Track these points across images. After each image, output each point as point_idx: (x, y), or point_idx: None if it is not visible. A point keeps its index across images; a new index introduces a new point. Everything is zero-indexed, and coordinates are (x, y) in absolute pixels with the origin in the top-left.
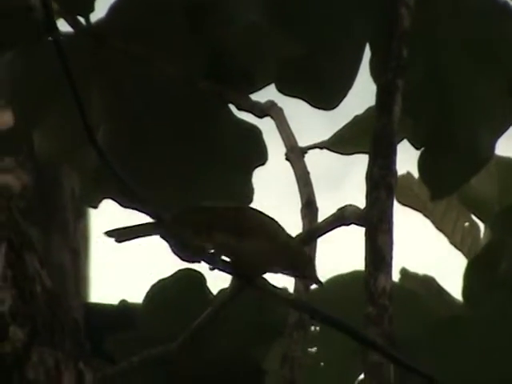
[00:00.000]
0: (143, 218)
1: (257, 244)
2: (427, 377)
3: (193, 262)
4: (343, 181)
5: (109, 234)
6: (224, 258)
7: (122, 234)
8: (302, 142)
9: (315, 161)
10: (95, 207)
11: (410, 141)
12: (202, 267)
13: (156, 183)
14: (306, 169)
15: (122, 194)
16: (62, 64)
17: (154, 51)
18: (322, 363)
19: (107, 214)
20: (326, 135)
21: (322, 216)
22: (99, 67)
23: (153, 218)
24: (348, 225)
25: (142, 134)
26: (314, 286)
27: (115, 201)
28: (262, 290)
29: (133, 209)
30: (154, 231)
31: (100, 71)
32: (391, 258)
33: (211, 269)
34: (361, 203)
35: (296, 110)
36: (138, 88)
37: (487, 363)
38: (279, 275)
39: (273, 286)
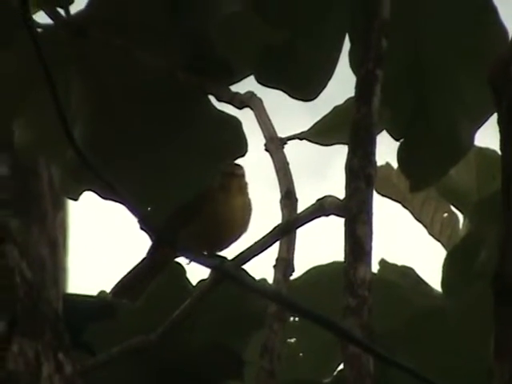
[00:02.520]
0: (124, 211)
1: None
2: (406, 369)
3: (173, 252)
4: (323, 172)
5: None
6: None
7: None
8: (282, 133)
9: (295, 152)
10: (75, 199)
11: (389, 132)
12: (182, 259)
13: (136, 175)
14: (285, 160)
15: (101, 186)
16: (38, 55)
17: (133, 42)
18: (301, 354)
19: (86, 206)
20: (305, 126)
21: (301, 207)
22: (79, 59)
23: (131, 211)
24: (327, 215)
25: (122, 125)
26: (293, 277)
27: (95, 193)
28: (239, 282)
29: (113, 201)
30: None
31: (80, 63)
32: (371, 248)
33: (188, 262)
34: (340, 194)
35: (276, 100)
36: (117, 80)
37: (466, 355)
38: (259, 267)
39: (251, 277)
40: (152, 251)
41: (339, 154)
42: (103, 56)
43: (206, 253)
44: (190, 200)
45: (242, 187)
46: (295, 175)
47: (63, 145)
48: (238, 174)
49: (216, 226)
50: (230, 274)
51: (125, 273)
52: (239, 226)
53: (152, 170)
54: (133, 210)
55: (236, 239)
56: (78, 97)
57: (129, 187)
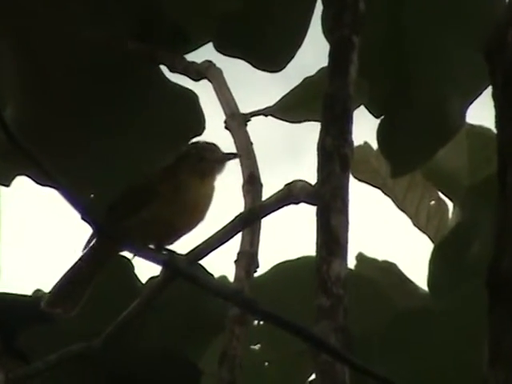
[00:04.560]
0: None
1: None
2: (382, 379)
3: (118, 246)
4: (291, 153)
5: None
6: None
7: None
8: (244, 109)
9: (259, 130)
10: (7, 185)
11: (367, 107)
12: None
13: (77, 158)
14: (248, 139)
15: (37, 171)
16: None
17: (72, 9)
18: (266, 362)
19: (21, 193)
20: (271, 101)
21: (266, 193)
22: (9, 31)
23: (68, 199)
24: (297, 203)
25: (62, 102)
26: (257, 274)
27: (30, 178)
28: (193, 280)
29: (51, 187)
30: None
31: (10, 36)
32: (346, 241)
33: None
34: (312, 179)
35: (237, 72)
36: (54, 53)
37: (455, 362)
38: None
39: (208, 273)
40: (95, 245)
41: (310, 132)
42: (37, 28)
43: (155, 246)
44: (138, 184)
45: (213, 172)
46: (260, 157)
47: None
48: (210, 160)
49: (171, 213)
50: (181, 271)
51: (62, 272)
52: (199, 214)
53: (96, 152)
54: (70, 197)
55: (191, 229)
56: (10, 74)
57: (69, 172)
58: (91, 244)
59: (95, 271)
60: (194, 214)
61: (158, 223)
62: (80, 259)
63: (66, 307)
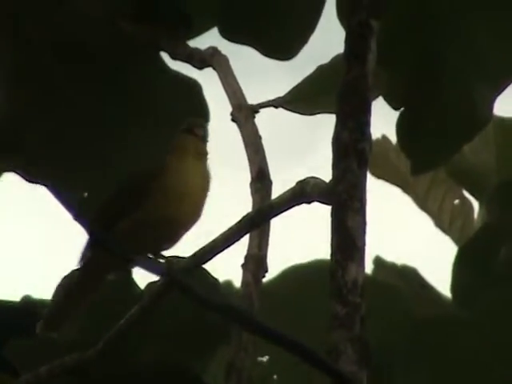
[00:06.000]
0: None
1: None
2: None
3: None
4: (304, 147)
5: None
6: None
7: None
8: (253, 100)
9: (269, 123)
10: None
11: (386, 98)
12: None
13: (69, 152)
14: (256, 132)
15: (27, 167)
16: None
17: None
18: (275, 376)
19: (7, 191)
20: (282, 91)
21: (276, 191)
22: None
23: (62, 199)
24: (310, 202)
25: (50, 91)
26: (266, 279)
27: (18, 174)
28: (189, 291)
29: (42, 185)
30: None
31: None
32: (364, 243)
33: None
34: (326, 175)
35: (244, 58)
36: (42, 34)
37: (481, 376)
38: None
39: (213, 278)
40: (89, 258)
41: (325, 125)
42: (22, 4)
43: (152, 253)
44: (131, 182)
45: (200, 150)
46: (269, 152)
47: None
48: (197, 134)
49: (166, 206)
50: (176, 281)
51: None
52: (194, 199)
53: (91, 146)
54: (61, 196)
55: (191, 225)
56: None
57: (60, 168)
58: (85, 257)
59: (92, 288)
60: (189, 199)
61: (153, 223)
62: (75, 274)
63: (62, 329)
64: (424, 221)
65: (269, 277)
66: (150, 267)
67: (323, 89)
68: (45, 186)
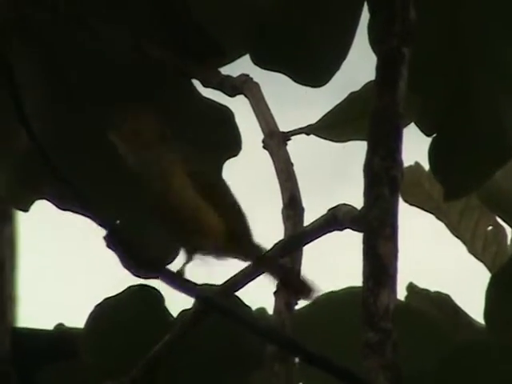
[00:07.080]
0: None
1: None
2: None
3: (148, 277)
4: (335, 175)
5: None
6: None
7: None
8: (284, 127)
9: (300, 150)
10: (25, 210)
11: (418, 124)
12: (160, 283)
13: (100, 181)
14: (288, 159)
15: (59, 194)
16: None
17: (92, 12)
18: None
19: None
20: (313, 118)
21: (308, 218)
22: (26, 33)
23: (98, 223)
24: (342, 229)
25: (80, 117)
26: (298, 306)
27: (50, 202)
28: (228, 314)
29: (74, 212)
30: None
31: (26, 38)
32: (395, 270)
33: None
34: (358, 203)
35: (276, 86)
36: (73, 59)
37: None
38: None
39: (245, 306)
40: None
41: (356, 152)
42: (54, 30)
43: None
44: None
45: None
46: (301, 179)
47: (7, 143)
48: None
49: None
50: (215, 304)
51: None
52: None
53: (122, 174)
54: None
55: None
56: (24, 84)
57: (92, 195)
58: None
59: None
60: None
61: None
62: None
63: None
64: (457, 247)
65: (301, 304)
66: (183, 288)
67: (354, 116)
68: (79, 213)
